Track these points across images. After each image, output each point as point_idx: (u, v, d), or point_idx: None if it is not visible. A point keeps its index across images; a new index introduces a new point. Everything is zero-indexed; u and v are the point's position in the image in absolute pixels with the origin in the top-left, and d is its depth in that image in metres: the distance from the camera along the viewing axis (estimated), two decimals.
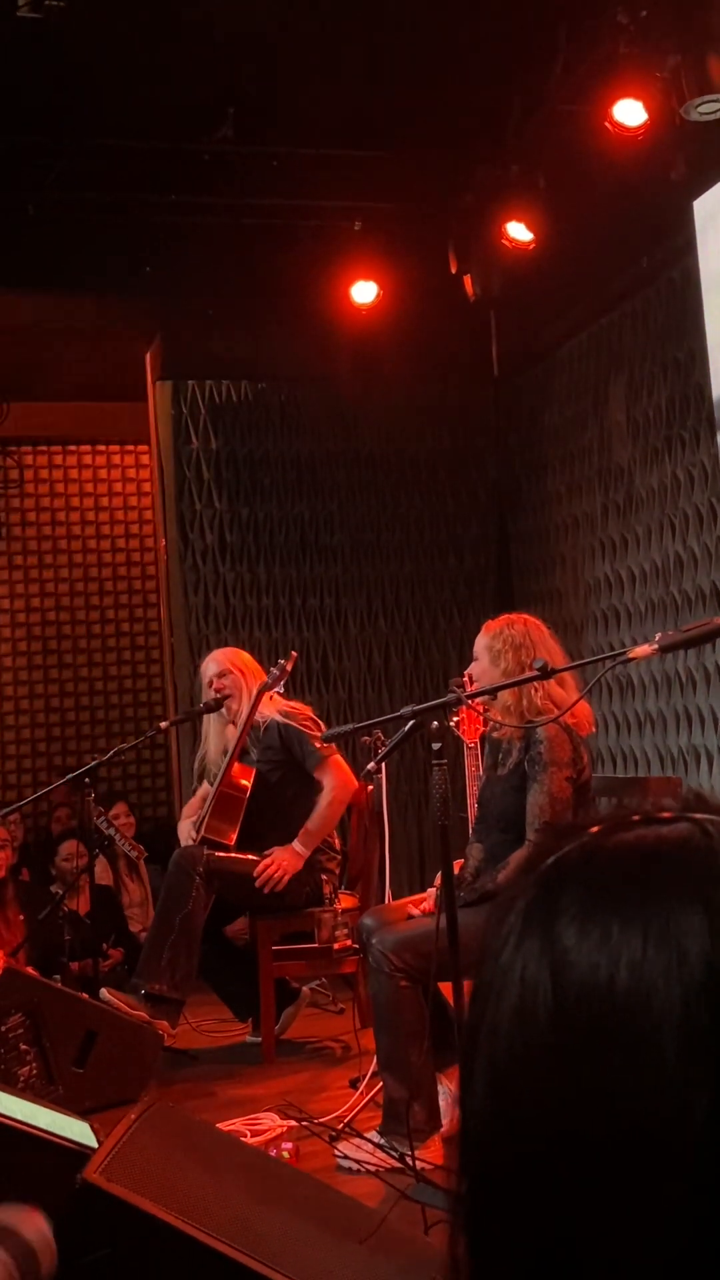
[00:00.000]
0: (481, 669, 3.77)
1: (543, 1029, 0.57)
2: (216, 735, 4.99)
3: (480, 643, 3.81)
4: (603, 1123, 0.54)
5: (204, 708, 5.09)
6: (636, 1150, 0.54)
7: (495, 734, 3.87)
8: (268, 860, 4.68)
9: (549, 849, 0.62)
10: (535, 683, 3.51)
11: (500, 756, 3.81)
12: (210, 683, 4.99)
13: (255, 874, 4.65)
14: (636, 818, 0.61)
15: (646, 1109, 0.54)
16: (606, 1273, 0.54)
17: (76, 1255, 2.16)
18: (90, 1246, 2.15)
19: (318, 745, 4.74)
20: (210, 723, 5.01)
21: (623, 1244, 0.54)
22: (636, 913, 0.56)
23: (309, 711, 4.96)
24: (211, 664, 5.00)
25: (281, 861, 4.68)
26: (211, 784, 4.91)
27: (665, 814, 0.61)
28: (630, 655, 2.95)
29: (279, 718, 4.80)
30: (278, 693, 4.93)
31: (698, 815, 0.61)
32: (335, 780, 4.75)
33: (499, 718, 3.73)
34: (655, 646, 2.92)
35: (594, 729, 3.94)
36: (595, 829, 0.61)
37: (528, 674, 3.54)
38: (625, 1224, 0.54)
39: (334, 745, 4.75)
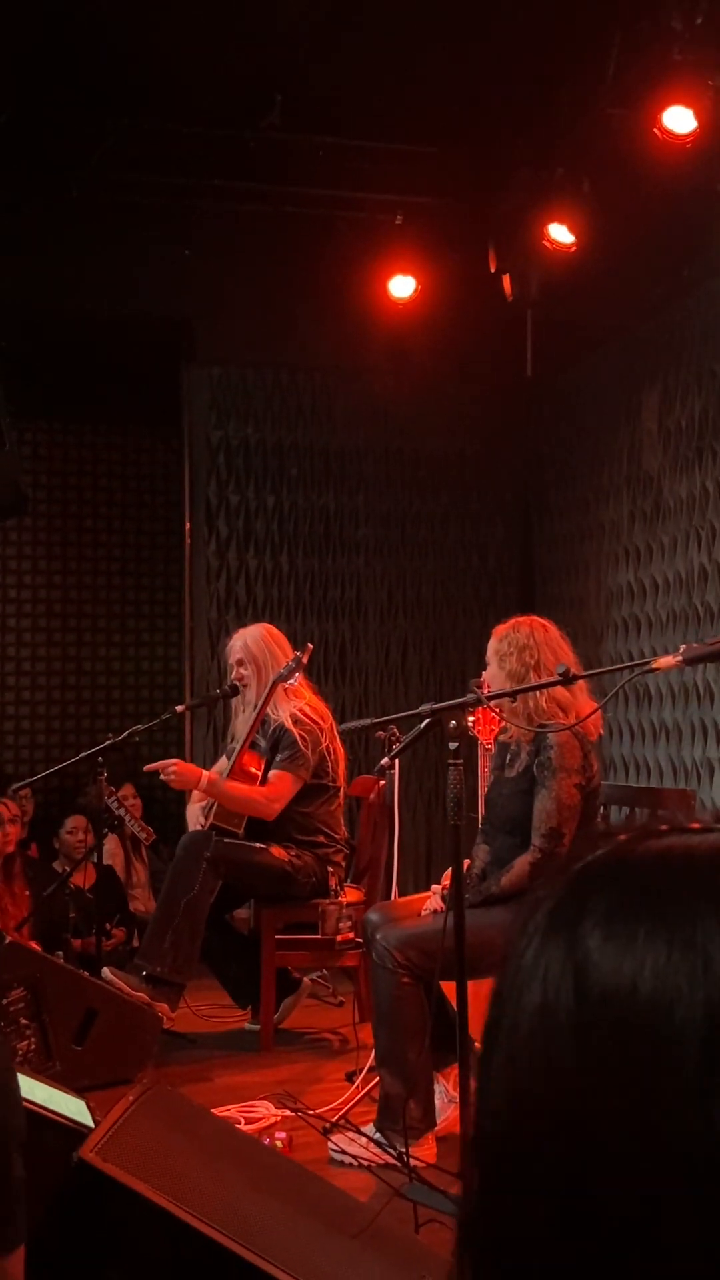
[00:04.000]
0: (491, 673, 3.78)
1: (564, 1031, 0.56)
2: (239, 718, 5.01)
3: (489, 647, 3.82)
4: (621, 1129, 0.54)
5: (220, 694, 5.09)
6: (655, 1158, 0.54)
7: (502, 736, 3.86)
8: (173, 761, 4.76)
9: (568, 854, 0.62)
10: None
11: (508, 758, 3.81)
12: (230, 667, 5.00)
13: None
14: (665, 827, 0.61)
15: (666, 1117, 0.54)
16: None
17: (69, 1231, 2.17)
18: (83, 1224, 2.16)
19: (290, 757, 4.73)
20: (236, 702, 5.02)
21: (638, 1253, 0.53)
22: (663, 919, 0.56)
23: (326, 713, 4.93)
24: (234, 649, 4.99)
25: (183, 771, 4.72)
26: (229, 761, 4.92)
27: (695, 825, 0.62)
28: (654, 665, 2.94)
29: (287, 720, 4.78)
30: (296, 685, 4.90)
31: None
32: (271, 792, 4.74)
33: (506, 719, 3.73)
34: (679, 658, 2.91)
35: (601, 733, 3.94)
36: (624, 836, 0.62)
37: (535, 678, 3.54)
38: (641, 1233, 0.54)
39: (299, 768, 4.73)
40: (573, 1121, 0.55)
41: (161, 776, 4.79)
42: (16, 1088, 2.33)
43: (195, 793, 5.14)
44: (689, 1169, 0.53)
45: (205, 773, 4.77)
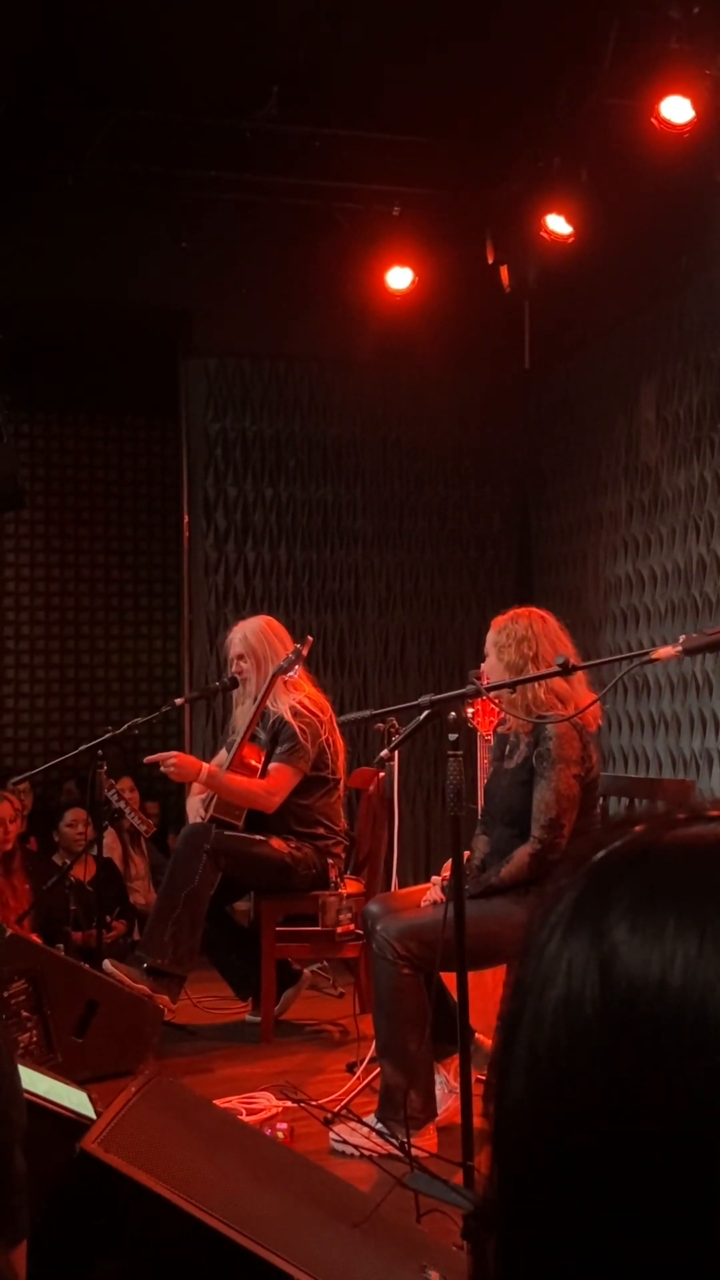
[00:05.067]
0: (490, 664, 3.78)
1: (589, 1024, 0.55)
2: (239, 710, 5.00)
3: (488, 639, 3.83)
4: (646, 1123, 0.53)
5: (220, 686, 5.09)
6: (680, 1154, 0.53)
7: (502, 727, 3.87)
8: (172, 754, 4.77)
9: (597, 843, 0.61)
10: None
11: (507, 750, 3.81)
12: (230, 660, 5.00)
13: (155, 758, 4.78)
14: (684, 815, 0.60)
15: (693, 1113, 0.53)
16: (645, 1278, 0.53)
17: (72, 1223, 2.18)
18: (86, 1215, 2.17)
19: (290, 750, 4.73)
20: (237, 694, 5.01)
21: (666, 1250, 0.53)
22: (692, 910, 0.55)
23: (325, 705, 4.93)
24: (234, 642, 4.99)
25: (182, 764, 4.73)
26: (229, 754, 4.92)
27: (714, 813, 0.60)
28: (653, 656, 2.94)
29: (286, 713, 4.77)
30: (296, 677, 4.90)
31: None
32: (270, 784, 4.74)
33: (505, 710, 3.73)
34: (678, 649, 2.91)
35: (600, 724, 3.94)
36: (643, 826, 0.60)
37: (534, 669, 3.54)
38: (666, 1230, 0.53)
39: (298, 760, 4.73)
40: (599, 1116, 0.54)
41: (161, 769, 4.79)
42: (18, 1081, 2.33)
43: (195, 785, 5.15)
44: (716, 1166, 0.52)
45: (205, 765, 4.77)
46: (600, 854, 0.60)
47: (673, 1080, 0.53)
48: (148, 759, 4.88)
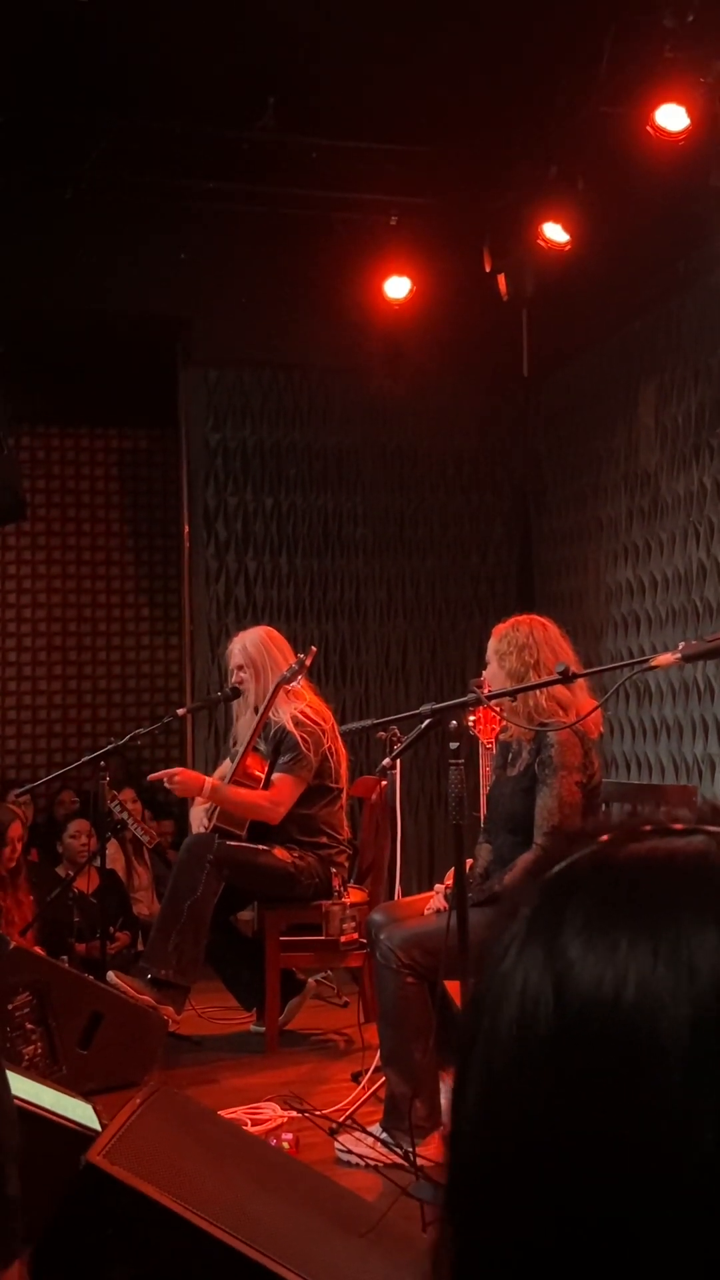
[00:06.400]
0: (491, 673, 3.78)
1: (542, 1041, 0.55)
2: (241, 721, 5.01)
3: (489, 647, 3.83)
4: (600, 1144, 0.53)
5: (221, 696, 5.10)
6: (636, 1174, 0.52)
7: (504, 735, 3.87)
8: (176, 770, 4.78)
9: (556, 855, 0.60)
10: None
11: (509, 757, 3.81)
12: (230, 670, 5.00)
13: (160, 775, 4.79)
14: (648, 828, 0.59)
15: (647, 1132, 0.52)
16: None
17: (78, 1236, 2.18)
18: (92, 1227, 2.17)
19: (293, 760, 4.73)
20: (239, 705, 5.01)
21: (617, 1271, 0.52)
22: (646, 927, 0.54)
23: (327, 714, 4.93)
24: (234, 653, 4.99)
25: (186, 779, 4.73)
26: (232, 763, 4.93)
27: (678, 825, 0.59)
28: (653, 663, 2.94)
29: (288, 723, 4.77)
30: (298, 687, 4.90)
31: (712, 829, 0.58)
32: (274, 795, 4.74)
33: (507, 718, 3.74)
34: (678, 655, 2.92)
35: (602, 730, 3.95)
36: (605, 838, 0.59)
37: (535, 677, 3.55)
38: (620, 1251, 0.52)
39: (301, 770, 4.73)
40: (550, 1135, 0.54)
41: (165, 785, 4.79)
42: (11, 1103, 2.33)
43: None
44: (671, 1186, 0.51)
45: (208, 779, 4.77)
46: (557, 868, 0.59)
47: (625, 1098, 0.52)
48: (151, 777, 4.89)
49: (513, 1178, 0.54)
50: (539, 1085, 0.54)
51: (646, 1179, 0.52)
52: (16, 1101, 2.77)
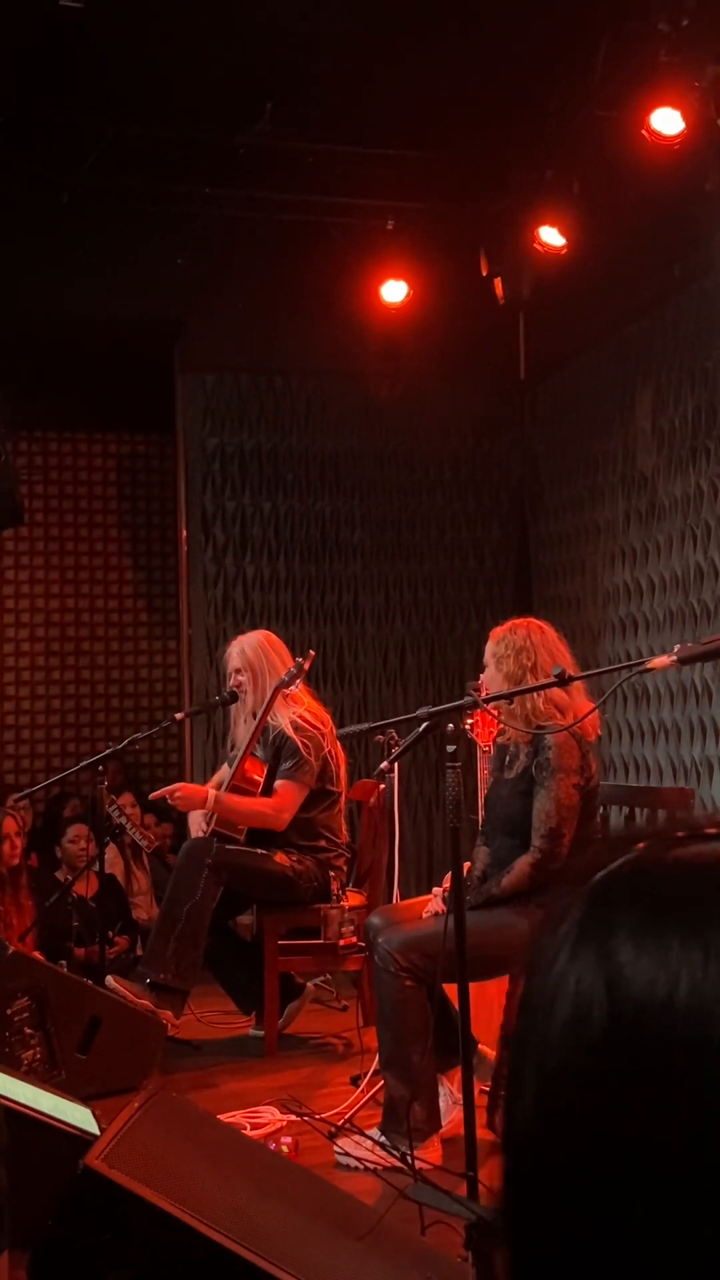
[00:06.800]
0: (489, 676, 3.79)
1: (596, 1043, 0.56)
2: (239, 725, 5.01)
3: (487, 650, 3.84)
4: (656, 1138, 0.54)
5: (219, 700, 5.10)
6: (688, 1172, 0.54)
7: (501, 738, 3.87)
8: (178, 786, 4.81)
9: (597, 862, 0.61)
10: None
11: (507, 760, 3.82)
12: (228, 675, 5.01)
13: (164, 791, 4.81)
14: (683, 834, 0.61)
15: (704, 1130, 0.53)
16: None
17: (77, 1239, 2.18)
18: (91, 1231, 2.17)
19: (294, 766, 4.73)
20: (236, 709, 5.01)
21: (666, 1264, 0.54)
22: (697, 930, 0.56)
23: (326, 718, 4.93)
24: (232, 657, 4.99)
25: (189, 793, 4.75)
26: (230, 768, 4.93)
27: (712, 830, 0.61)
28: (649, 666, 2.95)
29: (288, 727, 4.78)
30: (296, 691, 4.90)
31: None
32: (278, 803, 4.74)
33: (505, 721, 3.75)
34: (674, 658, 2.92)
35: (599, 733, 3.95)
36: (643, 844, 0.61)
37: (532, 680, 3.55)
38: (670, 1245, 0.54)
39: (304, 775, 4.73)
40: (606, 1133, 0.55)
41: (168, 800, 4.80)
42: None
43: None
44: None
45: (211, 791, 4.77)
46: (602, 873, 0.60)
47: (681, 1095, 0.54)
48: (153, 795, 4.90)
49: (571, 1178, 0.56)
50: (594, 1084, 0.56)
51: (703, 1176, 0.53)
52: (15, 1106, 2.78)
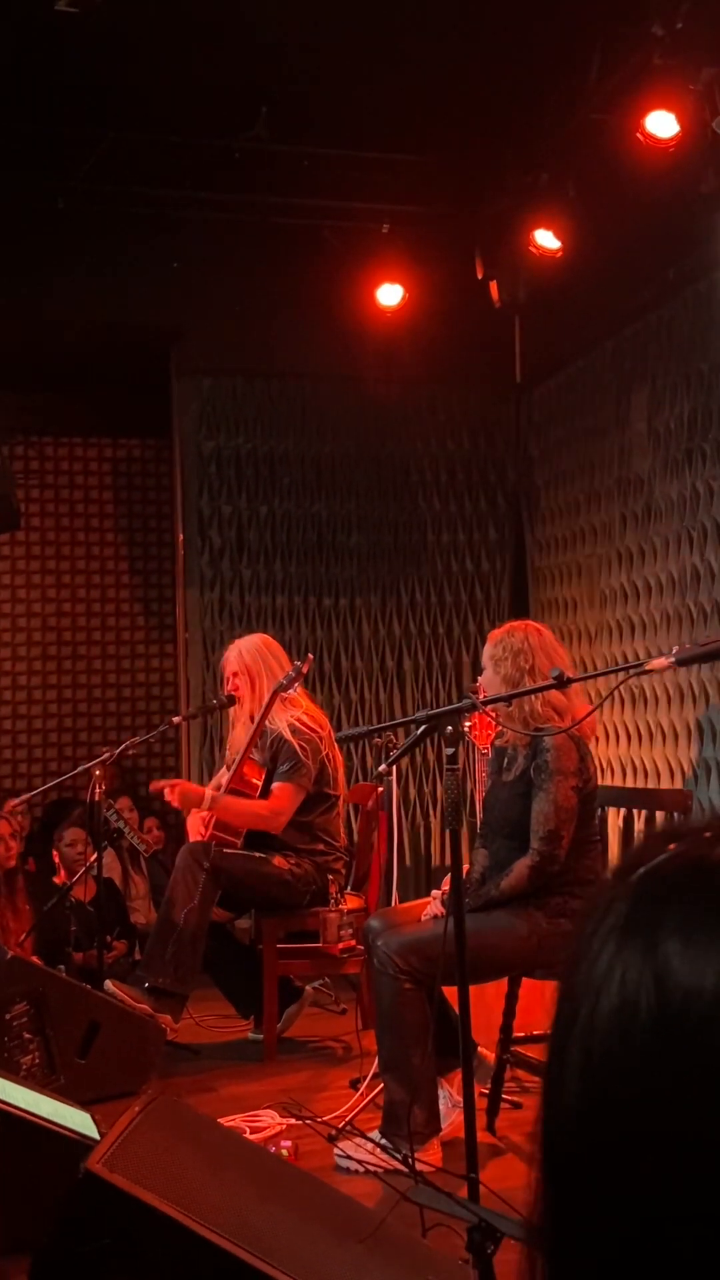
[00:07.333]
0: (487, 678, 3.80)
1: (644, 1033, 0.58)
2: (237, 729, 5.01)
3: (485, 652, 3.85)
4: (699, 1130, 0.55)
5: (216, 704, 5.10)
6: None
7: (499, 740, 3.88)
8: (177, 781, 4.81)
9: (636, 860, 0.63)
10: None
11: (505, 763, 3.82)
12: (225, 678, 5.01)
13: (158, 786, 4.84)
14: (709, 834, 0.63)
15: None
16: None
17: (78, 1244, 2.18)
18: (91, 1236, 2.17)
19: (292, 768, 4.73)
20: (234, 712, 5.01)
21: (709, 1251, 0.54)
22: None
23: (324, 721, 4.93)
24: (229, 660, 4.99)
25: (187, 791, 4.75)
26: (229, 771, 4.93)
27: None
28: (647, 668, 2.95)
29: (285, 731, 4.77)
30: (294, 694, 4.90)
31: None
32: (275, 805, 4.74)
33: (503, 724, 3.75)
34: (671, 660, 2.93)
35: (596, 735, 3.96)
36: (678, 844, 0.63)
37: (530, 682, 3.56)
38: (714, 1232, 0.54)
39: (301, 779, 4.73)
40: (653, 1117, 0.56)
41: (165, 796, 4.79)
42: None
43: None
44: None
45: (209, 790, 4.77)
46: (644, 869, 0.62)
47: None
48: (152, 787, 4.90)
49: (617, 1164, 0.57)
50: (640, 1074, 0.57)
51: None
52: (14, 1111, 2.77)
